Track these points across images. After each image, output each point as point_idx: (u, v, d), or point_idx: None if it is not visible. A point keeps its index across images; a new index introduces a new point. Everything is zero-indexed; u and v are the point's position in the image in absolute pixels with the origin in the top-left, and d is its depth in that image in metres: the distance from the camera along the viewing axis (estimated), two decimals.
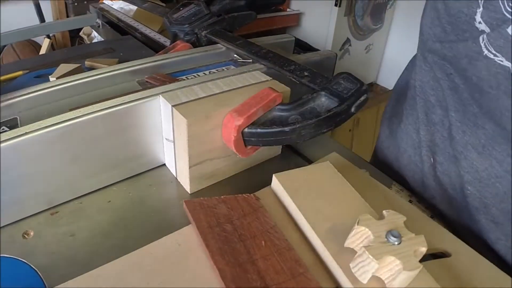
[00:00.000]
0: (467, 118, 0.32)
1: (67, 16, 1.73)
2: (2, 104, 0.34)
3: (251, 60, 0.44)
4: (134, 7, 1.50)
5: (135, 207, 0.33)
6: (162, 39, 0.70)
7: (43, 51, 1.53)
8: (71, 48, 1.22)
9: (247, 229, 0.28)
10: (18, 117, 0.34)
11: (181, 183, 0.35)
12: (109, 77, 0.39)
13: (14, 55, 1.53)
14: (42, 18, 1.64)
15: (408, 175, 0.41)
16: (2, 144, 0.28)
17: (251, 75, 0.38)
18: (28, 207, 0.31)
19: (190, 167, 0.32)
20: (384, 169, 0.43)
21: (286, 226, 0.29)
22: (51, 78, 0.50)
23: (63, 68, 0.52)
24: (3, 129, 0.33)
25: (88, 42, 1.61)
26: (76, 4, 1.68)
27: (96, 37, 1.64)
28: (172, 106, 0.31)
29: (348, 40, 2.00)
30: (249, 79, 0.36)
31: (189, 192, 0.34)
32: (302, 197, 0.30)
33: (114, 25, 0.87)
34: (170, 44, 0.49)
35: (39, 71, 0.57)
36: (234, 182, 0.36)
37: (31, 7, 1.65)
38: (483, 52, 0.28)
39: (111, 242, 0.30)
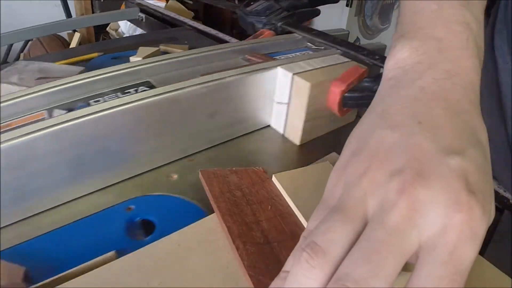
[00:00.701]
0: None
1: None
2: (129, 70, 0.39)
3: (323, 47, 0.53)
4: (162, 4, 1.59)
5: (252, 156, 0.40)
6: (212, 31, 0.77)
7: (73, 44, 1.59)
8: (121, 38, 1.25)
9: (255, 195, 0.31)
10: (150, 80, 0.38)
11: (289, 138, 0.43)
12: (220, 53, 0.46)
13: (41, 48, 1.58)
14: (69, 15, 1.70)
15: None
16: (154, 98, 0.33)
17: (333, 57, 0.47)
18: (168, 155, 0.38)
19: (304, 122, 0.40)
20: None
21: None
22: (133, 59, 0.58)
23: (143, 50, 0.61)
24: (142, 89, 0.36)
25: (117, 37, 1.67)
26: (102, 0, 1.73)
27: (125, 32, 1.69)
28: (293, 74, 0.40)
29: (357, 39, 2.09)
30: (335, 60, 0.46)
31: (298, 144, 0.42)
32: (301, 197, 0.30)
33: (157, 18, 0.91)
34: (253, 33, 0.58)
35: (115, 53, 0.64)
36: (321, 141, 0.45)
37: (52, 6, 1.69)
38: None
39: None
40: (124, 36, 1.59)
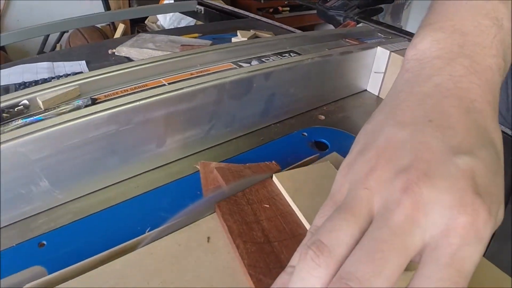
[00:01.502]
0: None
1: None
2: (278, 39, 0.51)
3: (390, 37, 0.69)
4: None
5: (352, 114, 0.52)
6: (276, 23, 0.87)
7: (117, 35, 1.65)
8: (175, 29, 1.23)
9: (255, 194, 0.31)
10: (294, 49, 0.48)
11: (383, 98, 0.50)
12: (325, 36, 0.57)
13: (82, 38, 1.59)
14: (108, 8, 1.77)
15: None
16: (306, 61, 0.46)
17: (405, 43, 0.62)
18: (317, 101, 0.51)
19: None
20: None
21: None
22: (235, 40, 0.72)
23: (243, 33, 0.73)
24: (294, 54, 0.46)
25: (157, 29, 1.73)
26: None
27: (163, 25, 1.74)
28: (391, 51, 0.55)
29: None
30: (406, 45, 0.61)
31: None
32: (302, 197, 0.30)
33: (218, 10, 0.99)
34: (337, 25, 0.73)
35: (213, 35, 0.76)
36: None
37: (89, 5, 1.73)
38: None
39: None
40: (166, 28, 1.64)
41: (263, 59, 0.44)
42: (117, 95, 0.34)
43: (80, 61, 0.61)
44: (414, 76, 0.22)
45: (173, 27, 1.56)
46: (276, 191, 0.32)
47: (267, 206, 0.30)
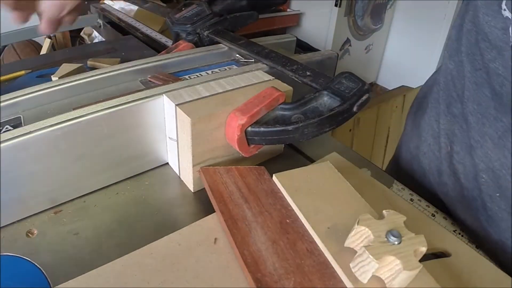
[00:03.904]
0: (488, 112, 0.33)
1: None
2: (4, 103, 0.34)
3: (253, 60, 0.44)
4: (135, 7, 1.50)
5: (139, 205, 0.33)
6: (163, 39, 0.71)
7: (44, 51, 1.52)
8: (72, 48, 1.22)
9: (255, 194, 0.31)
10: (21, 116, 0.35)
11: (184, 181, 0.36)
12: (112, 76, 0.39)
13: (14, 55, 1.53)
14: None
15: (425, 162, 0.44)
16: (5, 144, 0.28)
17: (253, 74, 0.38)
18: (31, 206, 0.32)
19: (193, 165, 0.32)
20: (406, 158, 0.47)
21: None
22: (53, 78, 0.51)
23: (66, 67, 0.52)
24: (6, 128, 0.32)
25: (89, 42, 1.60)
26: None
27: (97, 37, 1.64)
28: (176, 105, 0.31)
29: (348, 40, 2.01)
30: (251, 78, 0.37)
31: (192, 191, 0.35)
32: (302, 197, 0.30)
33: (115, 25, 0.88)
34: (173, 44, 0.49)
35: (41, 70, 0.57)
36: None
37: None
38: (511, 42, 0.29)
39: (115, 240, 0.30)
40: (94, 42, 1.51)
41: None
42: None
43: None
44: None
45: (97, 40, 1.42)
46: (275, 190, 0.31)
47: (268, 205, 0.30)
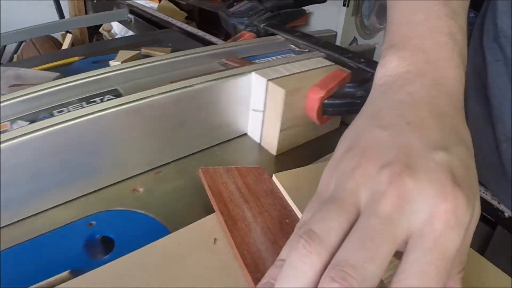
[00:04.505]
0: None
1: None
2: (99, 76, 0.37)
3: (307, 50, 0.51)
4: (155, 4, 1.56)
5: (231, 165, 0.38)
6: (200, 33, 0.75)
7: (65, 46, 1.57)
8: (115, 39, 1.24)
9: (255, 194, 0.31)
10: (118, 88, 0.37)
11: (265, 147, 0.41)
12: (194, 58, 0.44)
13: (34, 50, 1.55)
14: (61, 15, 1.68)
15: None
16: (119, 108, 0.32)
17: (316, 60, 0.45)
18: (134, 167, 0.36)
19: (280, 131, 0.39)
20: None
21: None
22: (113, 63, 0.57)
23: (123, 54, 0.59)
24: (108, 97, 0.35)
25: (109, 38, 1.65)
26: (95, 1, 1.72)
27: (118, 33, 1.69)
28: (268, 80, 0.38)
29: (355, 39, 2.07)
30: (316, 63, 0.44)
31: (275, 154, 0.40)
32: (302, 196, 0.30)
33: (146, 20, 0.90)
34: (234, 35, 0.56)
35: (94, 57, 0.62)
36: (301, 150, 0.43)
37: (45, 5, 1.66)
38: None
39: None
40: (116, 37, 1.57)
41: (58, 111, 0.34)
42: None
43: None
44: (388, 87, 0.24)
45: (120, 36, 1.47)
46: (276, 190, 0.31)
47: (268, 205, 0.30)
